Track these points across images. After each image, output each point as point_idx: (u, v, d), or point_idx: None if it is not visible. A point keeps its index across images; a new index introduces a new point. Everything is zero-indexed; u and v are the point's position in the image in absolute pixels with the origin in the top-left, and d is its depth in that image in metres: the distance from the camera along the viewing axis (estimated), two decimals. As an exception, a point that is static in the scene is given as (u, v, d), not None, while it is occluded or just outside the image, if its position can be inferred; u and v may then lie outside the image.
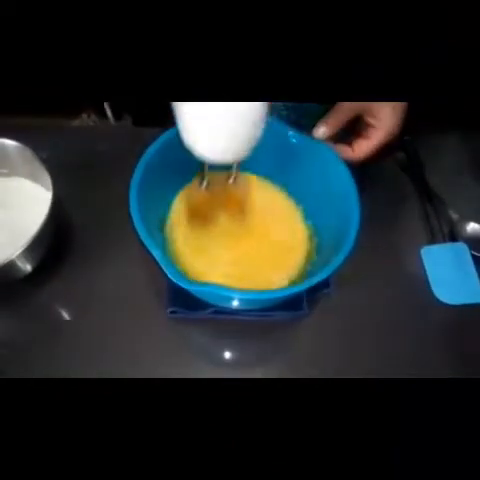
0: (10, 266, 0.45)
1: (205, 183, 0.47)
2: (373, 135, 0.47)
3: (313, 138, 0.48)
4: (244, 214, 0.52)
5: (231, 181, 0.47)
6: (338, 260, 0.41)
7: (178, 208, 0.52)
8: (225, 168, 0.44)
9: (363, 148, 0.48)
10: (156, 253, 0.40)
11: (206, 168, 0.45)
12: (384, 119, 0.47)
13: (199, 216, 0.51)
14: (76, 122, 0.80)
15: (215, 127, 0.36)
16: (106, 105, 0.76)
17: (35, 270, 0.50)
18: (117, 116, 0.79)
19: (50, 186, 0.48)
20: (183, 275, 0.41)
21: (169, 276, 0.39)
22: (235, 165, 0.45)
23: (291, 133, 0.48)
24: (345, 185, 0.46)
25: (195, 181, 0.49)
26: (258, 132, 0.38)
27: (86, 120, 0.81)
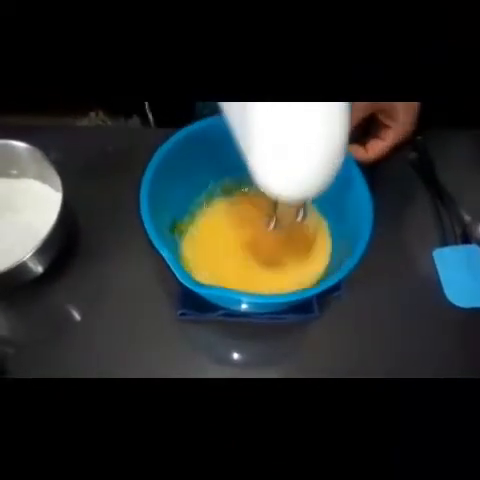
0: (21, 268, 0.45)
1: (273, 224, 0.42)
2: (388, 135, 0.47)
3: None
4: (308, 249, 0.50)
5: (300, 218, 0.41)
6: (351, 263, 0.41)
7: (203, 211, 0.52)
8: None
9: (377, 149, 0.47)
10: (166, 254, 0.40)
11: (277, 207, 0.40)
12: (399, 119, 0.46)
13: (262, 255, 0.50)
14: (84, 121, 0.80)
15: (292, 161, 0.31)
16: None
17: (46, 271, 0.50)
18: (126, 115, 0.79)
19: (60, 187, 0.48)
20: (193, 277, 0.40)
21: (179, 278, 0.39)
22: (307, 203, 0.40)
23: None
24: (358, 188, 0.45)
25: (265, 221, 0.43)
26: (339, 160, 0.33)
27: (94, 119, 0.81)
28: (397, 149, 0.48)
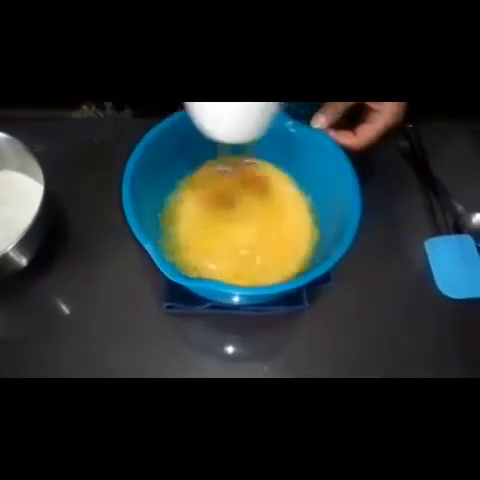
0: (4, 260, 0.45)
1: (220, 166, 0.46)
2: (377, 120, 0.46)
3: (312, 128, 0.46)
4: (262, 197, 0.51)
5: (248, 164, 0.46)
6: (338, 253, 0.40)
7: (180, 197, 0.51)
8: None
9: (367, 133, 0.46)
10: (148, 246, 0.39)
11: (220, 149, 0.43)
12: (388, 103, 0.45)
13: (210, 201, 0.50)
14: (77, 113, 0.79)
15: (227, 103, 0.35)
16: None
17: (30, 265, 0.50)
18: (118, 107, 0.78)
19: (42, 179, 0.46)
20: (178, 269, 0.39)
21: (162, 271, 0.38)
22: (249, 147, 0.43)
23: (289, 123, 0.47)
24: (345, 176, 0.44)
25: (208, 166, 0.49)
26: (272, 108, 0.37)
27: (87, 111, 0.80)
28: (387, 136, 0.47)
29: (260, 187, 0.51)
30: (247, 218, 0.50)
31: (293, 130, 0.47)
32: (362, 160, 0.45)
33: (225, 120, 0.36)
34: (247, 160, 0.47)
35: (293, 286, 0.40)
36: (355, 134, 0.46)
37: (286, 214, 0.51)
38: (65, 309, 0.51)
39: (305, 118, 0.47)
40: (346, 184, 0.43)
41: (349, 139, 0.46)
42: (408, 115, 0.47)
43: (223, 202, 0.51)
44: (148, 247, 0.39)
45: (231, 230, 0.50)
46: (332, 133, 0.46)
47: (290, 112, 0.47)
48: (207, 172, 0.51)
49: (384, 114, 0.45)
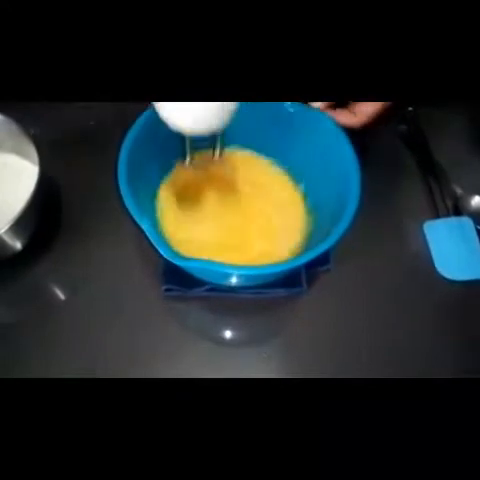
0: (-2, 243, 0.44)
1: (188, 160, 0.46)
2: None
3: (311, 107, 0.45)
4: (233, 191, 0.50)
5: (216, 157, 0.46)
6: (337, 233, 0.40)
7: (166, 194, 0.50)
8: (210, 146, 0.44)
9: (366, 111, 0.45)
10: (146, 227, 0.38)
11: (188, 144, 0.45)
12: None
13: (187, 198, 0.49)
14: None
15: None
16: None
17: (25, 248, 0.49)
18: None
19: (37, 161, 0.46)
20: (175, 250, 0.39)
21: (159, 251, 0.38)
22: (218, 141, 0.44)
23: (288, 103, 0.46)
24: (345, 156, 0.44)
25: (180, 163, 0.48)
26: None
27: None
28: (387, 115, 0.46)
29: (230, 179, 0.51)
30: (228, 209, 0.50)
31: (291, 110, 0.46)
32: (361, 143, 0.45)
33: (188, 112, 0.37)
34: (215, 153, 0.47)
35: (290, 266, 0.40)
36: (354, 112, 0.45)
37: (273, 200, 0.51)
38: (61, 293, 0.50)
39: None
40: (345, 162, 0.43)
41: (347, 118, 0.46)
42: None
43: (200, 197, 0.50)
44: (145, 227, 0.38)
45: (217, 223, 0.49)
46: (330, 112, 0.45)
47: None
48: (180, 168, 0.50)
49: None
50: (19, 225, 0.44)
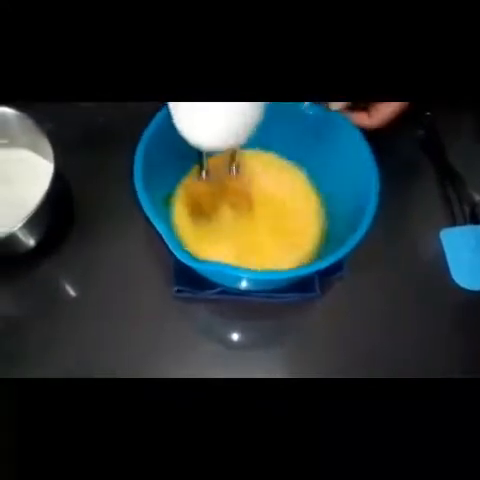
0: (12, 239, 0.44)
1: (204, 173, 0.45)
2: None
3: (330, 110, 0.45)
4: (249, 204, 0.49)
5: (233, 173, 0.45)
6: (352, 241, 0.39)
7: (181, 198, 0.50)
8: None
9: (381, 114, 0.44)
10: (161, 228, 0.38)
11: (204, 157, 0.44)
12: None
13: (202, 212, 0.49)
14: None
15: (211, 111, 0.34)
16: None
17: (38, 245, 0.49)
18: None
19: (52, 158, 0.45)
20: (188, 252, 0.38)
21: (174, 253, 0.37)
22: (235, 156, 0.43)
23: (306, 105, 0.46)
24: (364, 162, 0.43)
25: (194, 172, 0.47)
26: (258, 113, 0.36)
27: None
28: (403, 117, 0.45)
29: (247, 192, 0.50)
30: (243, 219, 0.49)
31: (310, 112, 0.46)
32: (377, 148, 0.44)
33: (214, 128, 0.36)
34: (232, 165, 0.46)
35: (304, 272, 0.39)
36: (369, 114, 0.45)
37: (290, 203, 0.50)
38: (72, 291, 0.50)
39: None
40: (364, 171, 0.42)
41: (362, 120, 0.45)
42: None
43: (214, 209, 0.49)
44: (160, 228, 0.38)
45: (232, 233, 0.49)
46: (348, 114, 0.45)
47: None
48: (194, 178, 0.49)
49: None
50: (33, 222, 0.44)
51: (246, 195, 0.49)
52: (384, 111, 0.44)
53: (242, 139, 0.37)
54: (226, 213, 0.49)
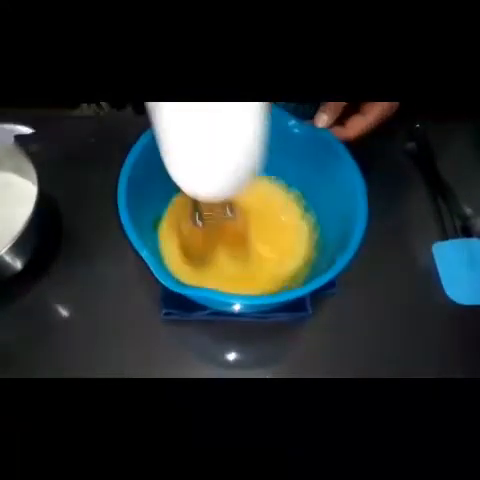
0: (-1, 263, 0.43)
1: (200, 222, 0.44)
2: (368, 111, 0.44)
3: (316, 127, 0.44)
4: (245, 243, 0.49)
5: (228, 213, 0.43)
6: (343, 261, 0.38)
7: (168, 222, 0.49)
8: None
9: (357, 125, 0.44)
10: (145, 254, 0.37)
11: (201, 207, 0.42)
12: None
13: (196, 254, 0.48)
14: (76, 112, 0.77)
15: (212, 161, 0.32)
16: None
17: (25, 268, 0.48)
18: (119, 105, 0.76)
19: (36, 181, 0.45)
20: (175, 277, 0.38)
21: (159, 279, 0.37)
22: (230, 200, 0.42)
23: (293, 123, 0.45)
24: (351, 178, 0.42)
25: (188, 217, 0.45)
26: (258, 163, 0.34)
27: (86, 109, 0.78)
28: (394, 130, 0.45)
29: (242, 233, 0.49)
30: (236, 256, 0.49)
31: (296, 130, 0.45)
32: (368, 162, 0.43)
33: (203, 181, 0.34)
34: (225, 207, 0.44)
35: (295, 295, 0.38)
36: (345, 126, 0.44)
37: (277, 222, 0.50)
38: (60, 314, 0.50)
39: (307, 116, 0.45)
40: (352, 186, 0.42)
41: (338, 132, 0.44)
42: (416, 115, 0.45)
43: (210, 252, 0.48)
44: (144, 255, 0.37)
45: (223, 264, 0.48)
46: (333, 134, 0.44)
47: (290, 110, 0.45)
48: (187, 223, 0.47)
49: (375, 105, 0.43)
50: (19, 245, 0.43)
51: (242, 236, 0.48)
52: (362, 122, 0.44)
53: (238, 190, 0.35)
54: (221, 254, 0.48)
